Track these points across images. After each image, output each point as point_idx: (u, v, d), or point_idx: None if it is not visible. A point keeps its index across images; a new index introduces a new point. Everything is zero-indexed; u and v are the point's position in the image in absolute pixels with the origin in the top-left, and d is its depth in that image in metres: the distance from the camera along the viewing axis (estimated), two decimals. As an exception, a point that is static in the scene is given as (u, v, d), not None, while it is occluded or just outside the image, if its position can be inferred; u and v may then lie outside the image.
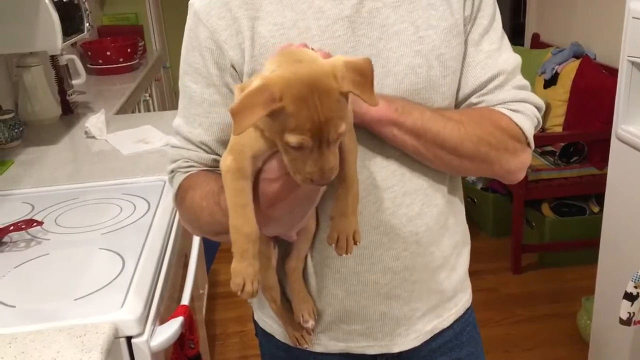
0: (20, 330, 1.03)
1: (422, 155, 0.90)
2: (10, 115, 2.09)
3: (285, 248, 0.95)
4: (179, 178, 0.94)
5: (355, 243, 0.81)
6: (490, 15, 0.93)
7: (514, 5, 4.75)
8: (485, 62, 0.92)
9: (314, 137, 0.67)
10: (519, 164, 0.94)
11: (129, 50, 3.42)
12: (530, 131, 0.93)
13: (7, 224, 1.38)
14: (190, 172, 0.93)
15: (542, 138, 3.05)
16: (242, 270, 0.76)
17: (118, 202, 1.58)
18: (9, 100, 2.39)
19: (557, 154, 3.08)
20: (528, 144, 0.94)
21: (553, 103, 3.35)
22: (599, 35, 3.38)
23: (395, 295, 0.96)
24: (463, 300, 1.06)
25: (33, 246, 1.36)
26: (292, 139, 0.66)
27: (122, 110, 2.70)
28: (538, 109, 0.96)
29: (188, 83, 0.92)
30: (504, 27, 0.96)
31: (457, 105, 0.95)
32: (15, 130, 2.08)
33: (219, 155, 0.92)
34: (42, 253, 1.32)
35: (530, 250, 3.14)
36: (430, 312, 1.01)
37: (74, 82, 2.84)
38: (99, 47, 3.44)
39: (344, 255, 0.81)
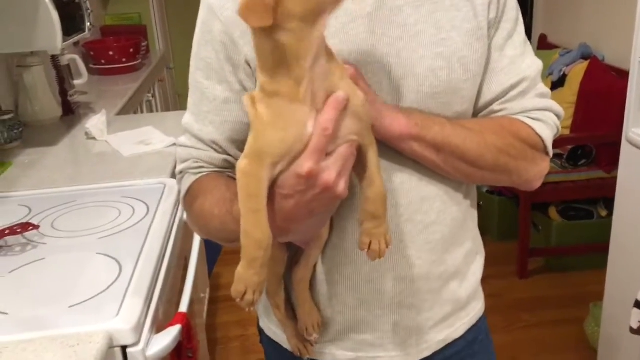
0: (12, 339, 0.99)
1: (440, 168, 0.87)
2: (10, 116, 2.07)
3: (294, 254, 0.91)
4: (189, 180, 0.91)
5: (387, 246, 0.77)
6: (514, 20, 0.91)
7: (520, 5, 4.71)
8: (509, 68, 0.90)
9: None
10: (537, 172, 0.93)
11: (131, 50, 3.39)
12: (549, 140, 0.92)
13: (3, 228, 1.35)
14: (201, 174, 0.90)
15: (550, 141, 3.01)
16: (247, 277, 0.72)
17: (117, 205, 1.55)
18: (9, 100, 2.36)
19: (565, 156, 3.04)
20: (547, 153, 0.93)
21: (561, 105, 3.28)
22: (607, 36, 3.34)
23: (408, 304, 0.93)
24: (476, 309, 1.03)
25: (29, 250, 1.33)
26: None
27: (124, 111, 2.66)
28: (558, 117, 0.95)
29: (200, 79, 0.89)
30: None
31: (479, 110, 0.92)
32: (15, 131, 2.05)
33: (230, 155, 0.90)
34: (37, 258, 1.29)
35: (537, 254, 3.09)
36: (442, 321, 0.97)
37: (75, 82, 2.82)
38: (101, 47, 3.41)
39: (377, 259, 0.78)
